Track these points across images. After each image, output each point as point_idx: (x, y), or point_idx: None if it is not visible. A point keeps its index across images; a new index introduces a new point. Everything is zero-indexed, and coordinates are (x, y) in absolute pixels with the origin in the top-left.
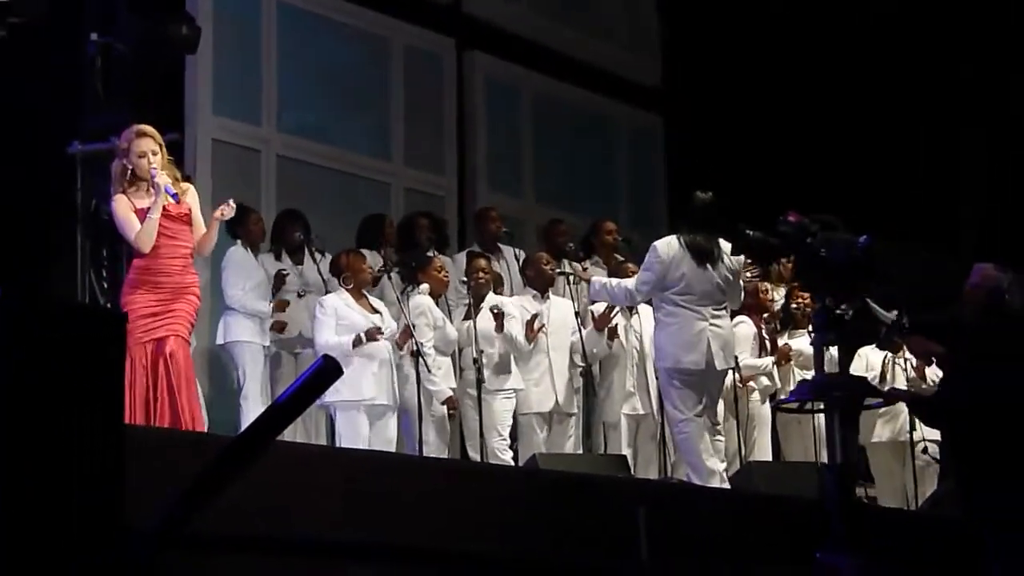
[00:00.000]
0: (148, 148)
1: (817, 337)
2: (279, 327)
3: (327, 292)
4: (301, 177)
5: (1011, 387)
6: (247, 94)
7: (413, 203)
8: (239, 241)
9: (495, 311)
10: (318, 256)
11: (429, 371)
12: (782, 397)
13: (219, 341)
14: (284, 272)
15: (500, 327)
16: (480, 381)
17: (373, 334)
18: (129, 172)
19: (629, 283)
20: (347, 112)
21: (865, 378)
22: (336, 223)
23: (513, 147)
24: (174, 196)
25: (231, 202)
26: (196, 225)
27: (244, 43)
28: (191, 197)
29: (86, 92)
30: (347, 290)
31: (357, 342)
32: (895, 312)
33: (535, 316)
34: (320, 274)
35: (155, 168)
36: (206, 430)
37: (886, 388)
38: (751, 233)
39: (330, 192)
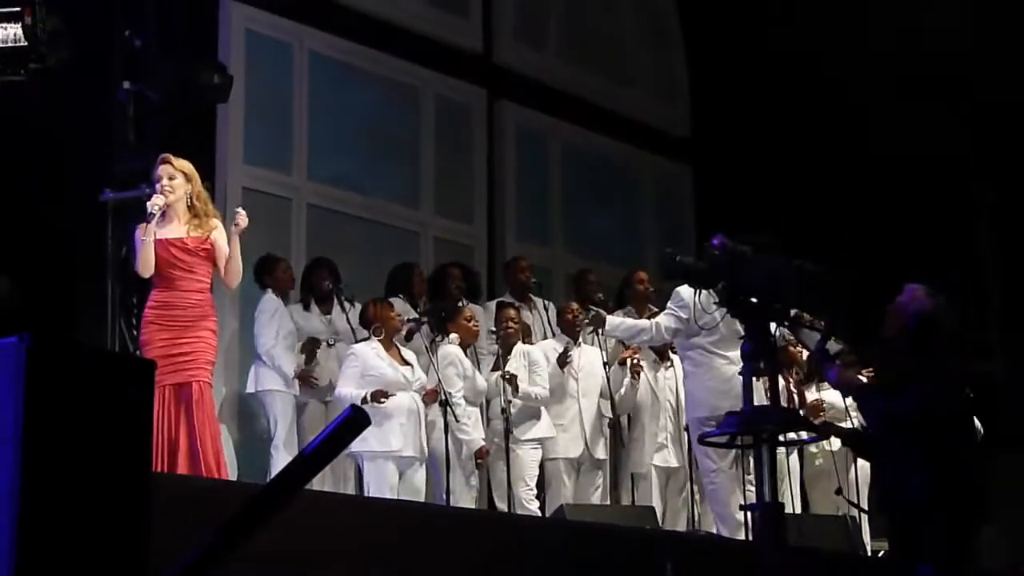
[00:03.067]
0: (164, 174)
1: (745, 367)
2: (303, 378)
3: (356, 341)
4: (331, 226)
5: (918, 410)
6: (278, 143)
7: (442, 252)
8: (269, 290)
9: (507, 376)
10: (347, 305)
11: (458, 420)
12: (708, 430)
13: (250, 389)
14: (318, 341)
15: (515, 390)
16: (508, 431)
17: (378, 397)
18: (154, 204)
19: (656, 320)
20: (377, 161)
21: (797, 411)
22: (365, 272)
23: (542, 196)
24: (150, 213)
25: (241, 210)
26: (221, 260)
27: (275, 92)
28: (218, 233)
29: (117, 139)
30: (377, 339)
31: (364, 401)
32: (819, 338)
33: (566, 350)
34: (349, 323)
35: (159, 196)
36: (233, 477)
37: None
38: (679, 259)
39: (360, 241)
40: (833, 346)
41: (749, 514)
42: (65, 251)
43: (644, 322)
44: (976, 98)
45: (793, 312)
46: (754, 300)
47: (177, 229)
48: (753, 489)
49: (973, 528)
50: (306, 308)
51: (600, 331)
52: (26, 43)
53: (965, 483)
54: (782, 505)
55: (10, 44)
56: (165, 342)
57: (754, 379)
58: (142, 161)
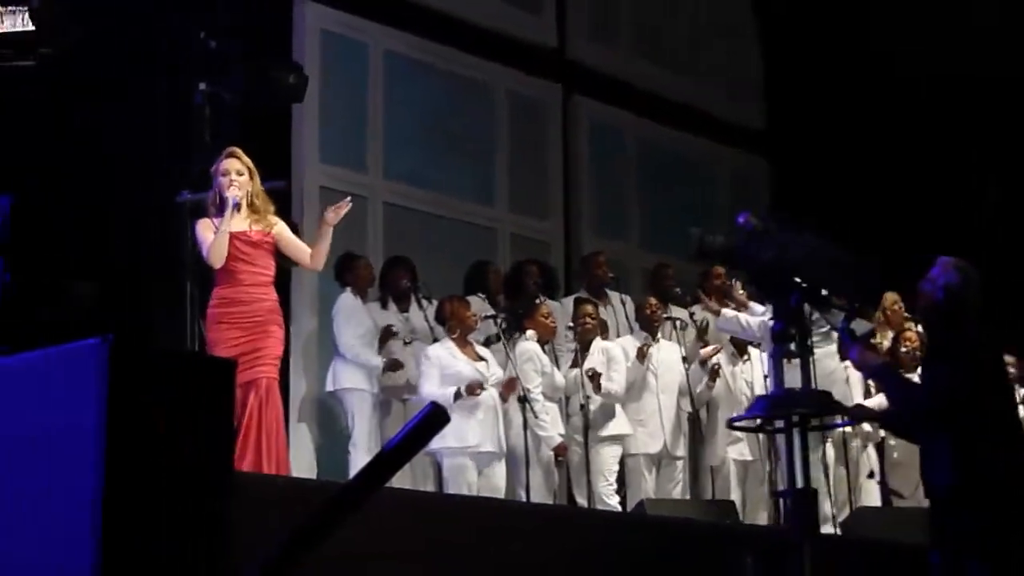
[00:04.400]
0: (232, 168)
1: (774, 349)
2: (391, 366)
3: (433, 340)
4: (407, 224)
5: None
6: (353, 141)
7: (518, 249)
8: (348, 288)
9: (590, 374)
10: (424, 303)
11: (536, 416)
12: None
13: (328, 388)
14: (393, 328)
15: (597, 387)
16: (587, 427)
17: (474, 388)
18: (218, 197)
19: (764, 318)
20: (453, 158)
21: (829, 393)
22: (442, 270)
23: (617, 191)
24: (235, 202)
25: (347, 201)
26: (294, 247)
27: (350, 90)
28: (280, 227)
29: (194, 141)
30: (452, 339)
31: (457, 395)
32: (843, 317)
33: (645, 344)
34: (427, 321)
35: (235, 186)
36: (312, 476)
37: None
38: (707, 239)
39: (436, 238)
40: (860, 327)
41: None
42: (143, 253)
43: (762, 318)
44: None
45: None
46: (785, 279)
47: (239, 223)
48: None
49: (1005, 524)
50: (384, 306)
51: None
52: (34, 29)
53: (992, 475)
54: (814, 491)
55: (19, 29)
56: (235, 340)
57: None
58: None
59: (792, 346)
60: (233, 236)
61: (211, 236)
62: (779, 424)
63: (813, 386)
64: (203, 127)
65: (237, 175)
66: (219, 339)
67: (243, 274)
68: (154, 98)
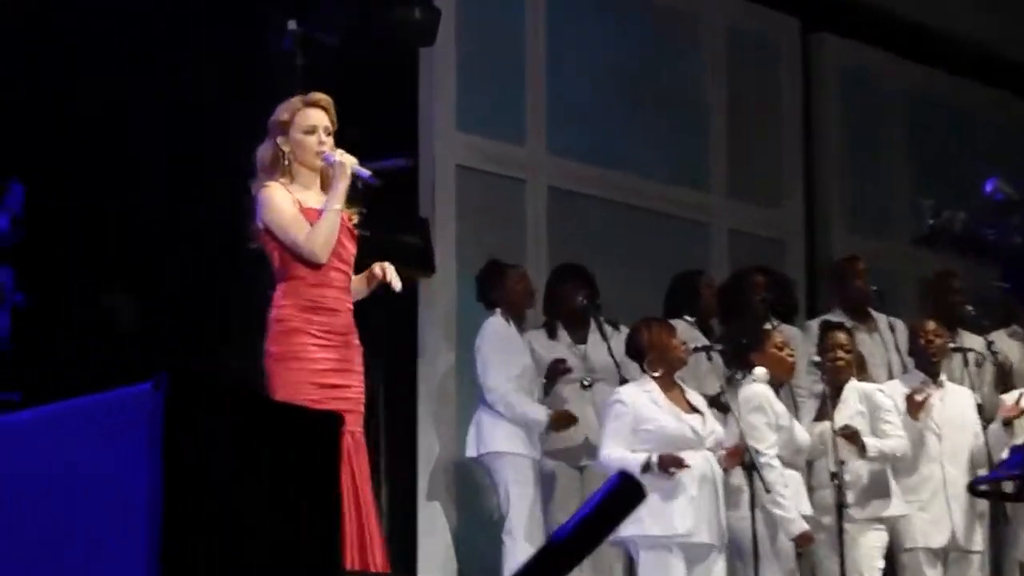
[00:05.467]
0: (320, 122)
1: None
2: (560, 420)
3: (622, 381)
4: (582, 217)
5: None
6: (505, 103)
7: (741, 251)
8: (498, 310)
9: (847, 432)
10: (609, 329)
11: (769, 491)
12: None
13: (471, 452)
14: (564, 365)
15: (861, 449)
16: (841, 505)
17: (673, 463)
18: (285, 157)
19: None
20: (644, 125)
21: None
22: (632, 282)
23: (881, 168)
24: (370, 178)
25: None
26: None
27: (501, 32)
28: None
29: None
30: (653, 378)
31: (647, 467)
32: None
33: (920, 390)
34: (611, 355)
35: (326, 149)
36: (451, 574)
37: None
38: (942, 216)
39: (623, 238)
40: None
41: None
42: (207, 254)
43: None
44: None
45: None
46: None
47: (315, 197)
48: None
49: None
50: (551, 335)
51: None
52: None
53: None
54: None
55: None
56: (327, 364)
57: None
58: None
59: None
60: (313, 216)
61: (297, 213)
62: None
63: None
64: (292, 83)
65: (326, 134)
66: (305, 349)
67: (333, 271)
68: (221, 44)
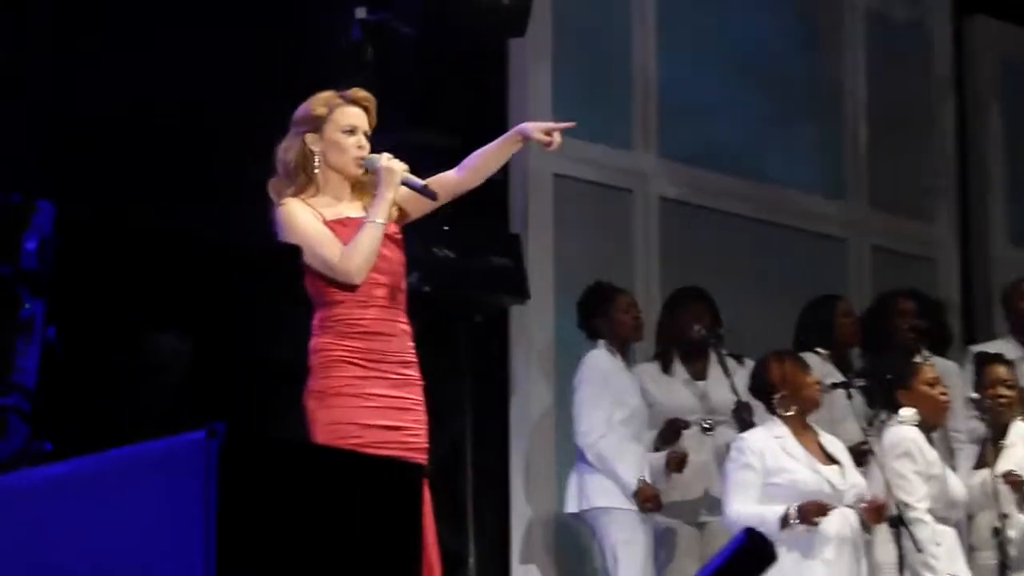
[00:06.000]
0: (361, 124)
1: None
2: (678, 464)
3: (745, 424)
4: (699, 232)
5: None
6: (609, 100)
7: (885, 271)
8: (601, 342)
9: (1012, 480)
10: (732, 364)
11: (920, 551)
12: None
13: (572, 507)
14: (682, 422)
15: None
16: (1005, 567)
17: (816, 511)
18: (315, 163)
19: None
20: (770, 125)
21: None
22: (760, 309)
23: None
24: (423, 188)
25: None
26: None
27: (603, 18)
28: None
29: None
30: (783, 420)
31: (786, 522)
32: None
33: None
34: (735, 393)
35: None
36: None
37: None
38: None
39: (747, 256)
40: None
41: None
42: (266, 283)
43: None
44: None
45: None
46: None
47: (350, 207)
48: None
49: None
50: (665, 369)
51: None
52: None
53: None
54: None
55: None
56: (378, 401)
57: None
58: (386, 135)
59: None
60: (352, 226)
61: (322, 228)
62: None
63: None
64: (360, 82)
65: (365, 136)
66: (342, 395)
67: (377, 287)
68: (276, 39)
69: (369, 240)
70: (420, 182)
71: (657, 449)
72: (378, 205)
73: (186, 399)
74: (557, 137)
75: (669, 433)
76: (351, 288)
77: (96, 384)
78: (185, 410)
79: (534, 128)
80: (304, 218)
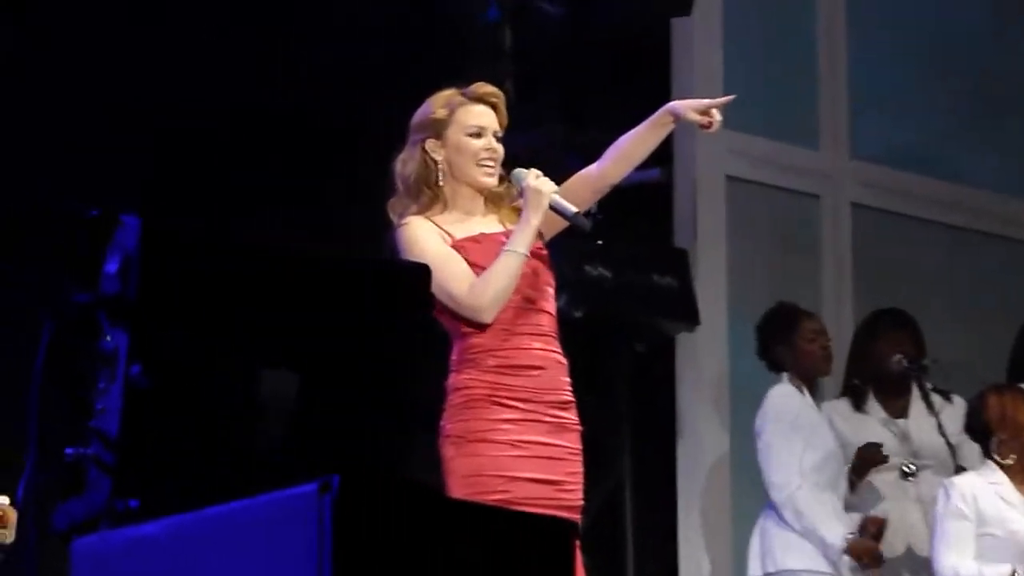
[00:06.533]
0: (490, 125)
1: None
2: (870, 531)
3: (957, 468)
4: (898, 244)
5: None
6: (791, 92)
7: None
8: (786, 375)
9: None
10: (938, 400)
11: None
12: None
13: (755, 571)
14: (877, 449)
15: None
16: None
17: None
18: (439, 174)
19: None
20: (980, 121)
21: None
22: (971, 333)
23: None
24: (575, 217)
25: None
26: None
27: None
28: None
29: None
30: (1001, 467)
31: None
32: None
33: None
34: (943, 434)
35: (494, 159)
36: None
37: None
38: None
39: (955, 273)
40: None
41: None
42: (391, 307)
43: None
44: None
45: None
46: None
47: (484, 221)
48: None
49: None
50: (858, 407)
51: None
52: None
53: None
54: None
55: None
56: (524, 448)
57: None
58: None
59: None
60: (493, 240)
61: (452, 254)
62: None
63: None
64: (498, 70)
65: (496, 139)
66: (486, 441)
67: (522, 316)
68: (397, 18)
69: (506, 273)
70: (572, 208)
71: (851, 484)
72: (521, 232)
73: (298, 446)
74: (717, 116)
75: (863, 463)
76: (481, 326)
77: (190, 430)
78: (297, 460)
79: (687, 106)
80: (428, 240)
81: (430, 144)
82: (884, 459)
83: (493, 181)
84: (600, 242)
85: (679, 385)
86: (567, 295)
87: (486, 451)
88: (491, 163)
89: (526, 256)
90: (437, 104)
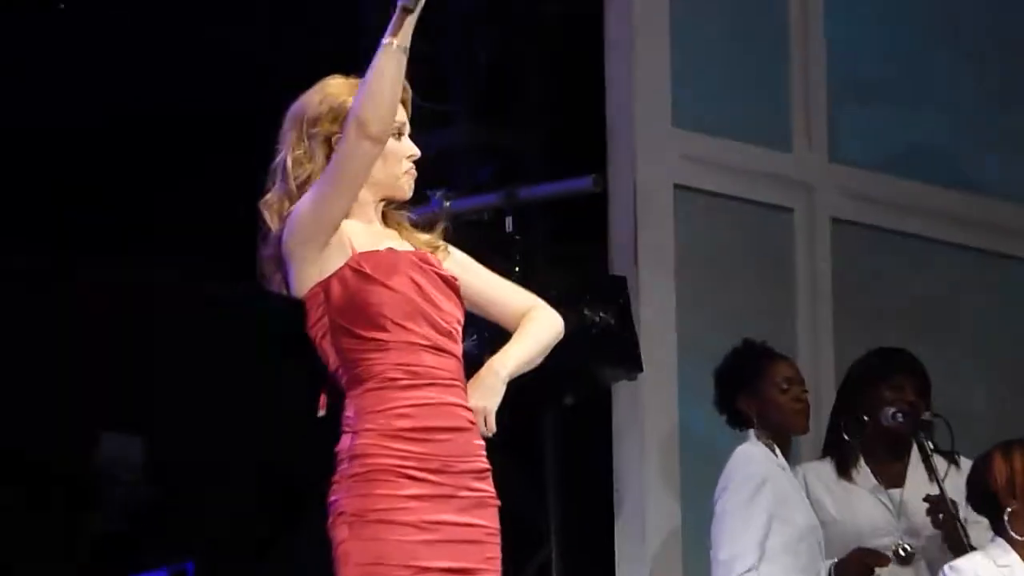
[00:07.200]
0: (405, 122)
1: None
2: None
3: (967, 546)
4: (888, 267)
5: None
6: (756, 83)
7: None
8: (751, 432)
9: None
10: (940, 463)
11: None
12: None
13: None
14: (879, 556)
15: None
16: None
17: None
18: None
19: None
20: (985, 117)
21: None
22: (975, 376)
23: None
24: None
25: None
26: (492, 291)
27: None
28: (454, 253)
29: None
30: (1012, 544)
31: None
32: None
33: None
34: (948, 510)
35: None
36: None
37: None
38: None
39: (958, 300)
40: None
41: None
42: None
43: None
44: None
45: None
46: None
47: (387, 233)
48: None
49: None
50: (842, 472)
51: None
52: None
53: None
54: None
55: None
56: (434, 532)
57: None
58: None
59: None
60: (417, 262)
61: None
62: None
63: None
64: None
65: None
66: (388, 523)
67: (430, 352)
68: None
69: (379, 72)
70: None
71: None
72: (396, 19)
73: (149, 522)
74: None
75: (856, 572)
76: (381, 327)
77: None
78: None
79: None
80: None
81: (310, 136)
82: (883, 561)
83: (411, 191)
84: (517, 269)
85: (618, 445)
86: (476, 334)
87: (389, 534)
88: (413, 170)
89: (406, 51)
90: (344, 92)
